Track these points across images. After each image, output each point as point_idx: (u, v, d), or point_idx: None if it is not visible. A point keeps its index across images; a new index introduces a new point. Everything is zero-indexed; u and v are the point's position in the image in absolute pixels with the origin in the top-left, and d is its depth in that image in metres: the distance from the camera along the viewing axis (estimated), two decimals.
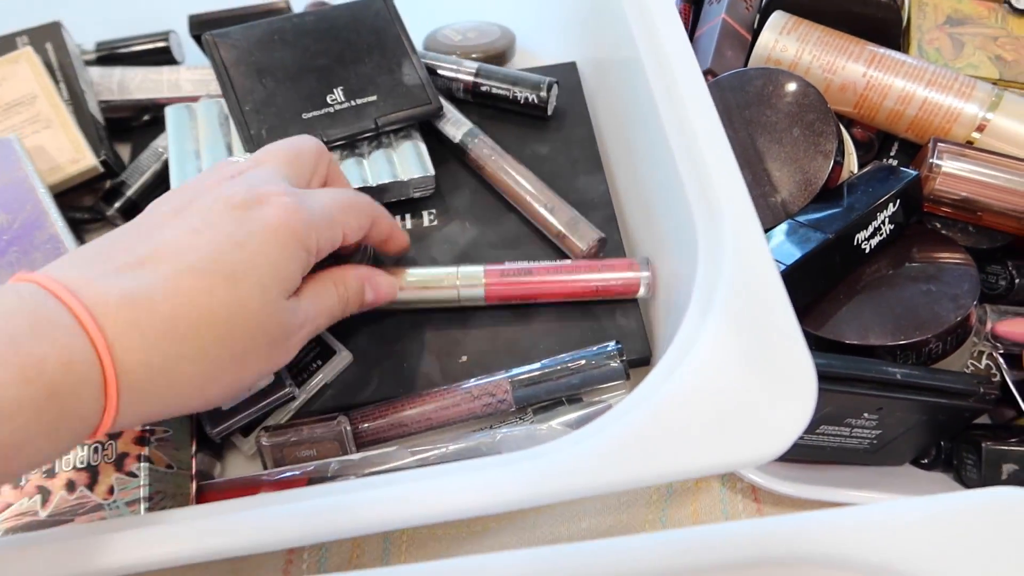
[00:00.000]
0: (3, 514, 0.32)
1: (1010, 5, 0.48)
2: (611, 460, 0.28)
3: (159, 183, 0.48)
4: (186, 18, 0.53)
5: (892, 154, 0.47)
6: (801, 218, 0.40)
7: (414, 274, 0.41)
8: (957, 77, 0.43)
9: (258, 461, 0.40)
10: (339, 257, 0.36)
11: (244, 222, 0.29)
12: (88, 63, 0.52)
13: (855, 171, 0.44)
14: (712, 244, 0.33)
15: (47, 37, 0.48)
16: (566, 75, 0.52)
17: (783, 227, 0.40)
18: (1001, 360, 0.41)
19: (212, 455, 0.40)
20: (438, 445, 0.37)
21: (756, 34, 0.47)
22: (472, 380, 0.39)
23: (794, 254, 0.38)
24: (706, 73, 0.48)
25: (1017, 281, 0.41)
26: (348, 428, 0.38)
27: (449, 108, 0.49)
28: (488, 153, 0.46)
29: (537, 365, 0.39)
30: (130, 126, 0.52)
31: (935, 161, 0.40)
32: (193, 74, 0.51)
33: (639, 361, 0.42)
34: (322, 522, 0.28)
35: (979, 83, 0.43)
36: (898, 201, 0.40)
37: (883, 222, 0.40)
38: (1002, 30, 0.48)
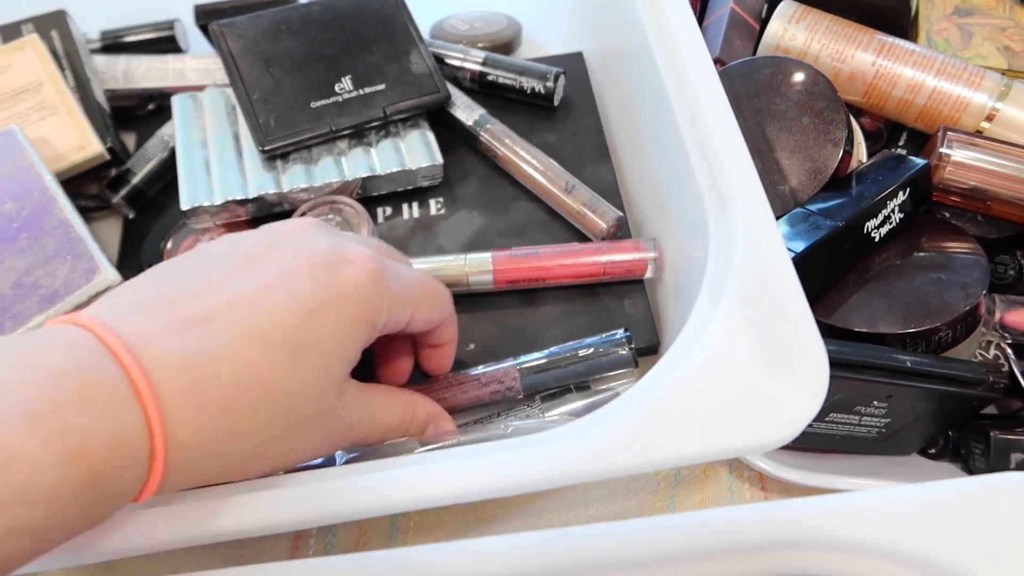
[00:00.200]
0: None
1: None
2: (620, 444, 0.28)
3: (165, 171, 0.48)
4: (190, 7, 0.53)
5: (901, 144, 0.47)
6: (811, 206, 0.40)
7: (422, 262, 0.41)
8: (966, 67, 0.43)
9: None
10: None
11: (322, 286, 0.27)
12: (93, 52, 0.52)
13: (864, 160, 0.44)
14: (723, 231, 0.33)
15: (52, 25, 0.48)
16: (572, 65, 0.52)
17: (792, 215, 0.40)
18: (1009, 350, 0.40)
19: None
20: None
21: (764, 23, 0.47)
22: (480, 367, 0.39)
23: (804, 242, 0.38)
24: (715, 62, 0.48)
25: None
26: None
27: (459, 94, 0.49)
28: (501, 138, 0.46)
29: (545, 353, 0.39)
30: (135, 115, 0.52)
31: (944, 150, 0.40)
32: (198, 63, 0.51)
33: (647, 349, 0.42)
34: (329, 504, 0.28)
35: (988, 73, 0.43)
36: (907, 190, 0.40)
37: (892, 211, 0.40)
38: (1010, 20, 0.47)
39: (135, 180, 0.47)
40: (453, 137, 0.49)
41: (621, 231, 0.44)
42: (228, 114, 0.48)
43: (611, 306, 0.43)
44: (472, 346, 0.42)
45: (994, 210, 0.41)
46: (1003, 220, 0.43)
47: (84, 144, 0.44)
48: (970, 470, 0.39)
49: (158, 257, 0.45)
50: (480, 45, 0.53)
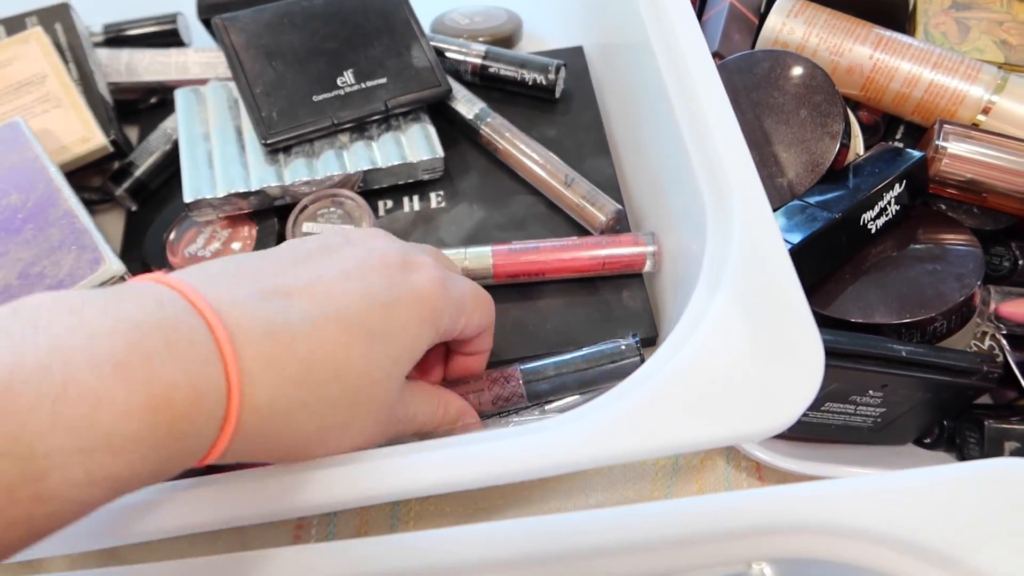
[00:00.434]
0: None
1: None
2: (618, 432, 0.29)
3: (168, 164, 0.48)
4: (193, 1, 0.53)
5: (898, 137, 0.47)
6: (808, 199, 0.40)
7: None
8: (963, 60, 0.43)
9: None
10: None
11: (395, 284, 0.28)
12: (96, 45, 0.52)
13: (861, 153, 0.44)
14: (721, 223, 0.33)
15: (56, 18, 0.48)
16: (573, 59, 0.52)
17: (789, 207, 0.40)
18: (1004, 341, 0.41)
19: None
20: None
21: (763, 17, 0.47)
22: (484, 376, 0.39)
23: (800, 234, 0.38)
24: (713, 56, 0.48)
25: (1021, 262, 0.41)
26: None
27: (460, 88, 0.49)
28: (501, 131, 0.47)
29: (552, 361, 0.38)
30: (138, 108, 0.52)
31: (941, 143, 0.41)
32: (201, 56, 0.51)
33: (645, 341, 0.43)
34: (330, 492, 0.28)
35: (985, 66, 0.43)
36: (904, 182, 0.40)
37: (889, 203, 0.40)
38: (1007, 15, 0.48)
39: (138, 173, 0.47)
40: (454, 131, 0.49)
41: (620, 224, 0.44)
42: (230, 108, 0.48)
43: (610, 298, 0.43)
44: None
45: (990, 202, 0.42)
46: (999, 212, 0.43)
47: (88, 136, 0.45)
48: (965, 459, 0.40)
49: (161, 249, 0.45)
50: (481, 39, 0.53)
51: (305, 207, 0.44)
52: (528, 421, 0.37)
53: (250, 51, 0.46)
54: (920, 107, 0.44)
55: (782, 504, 0.28)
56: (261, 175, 0.45)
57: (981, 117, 0.43)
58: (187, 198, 0.43)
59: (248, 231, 0.45)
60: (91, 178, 0.48)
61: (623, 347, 0.38)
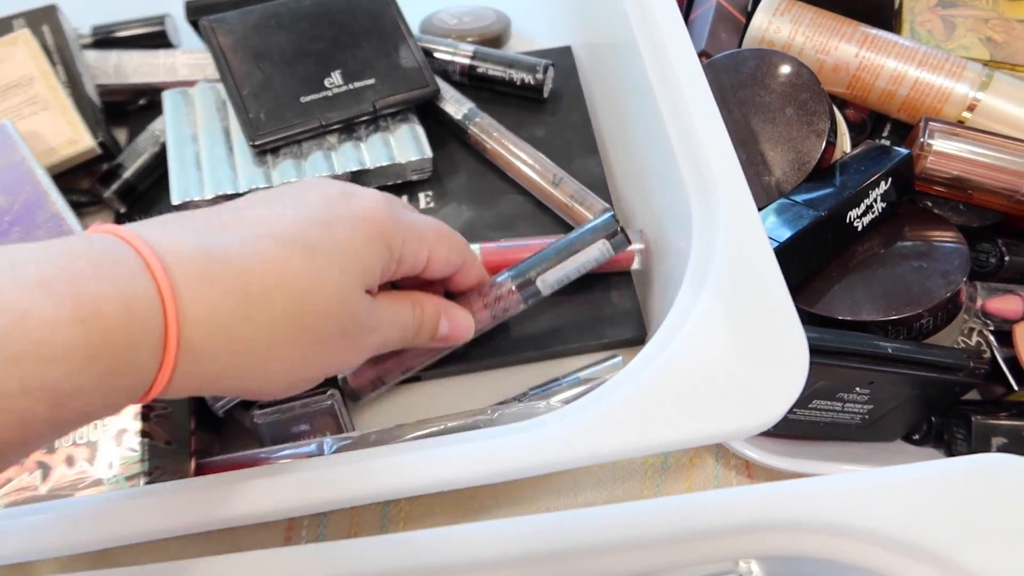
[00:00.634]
0: (3, 489, 0.32)
1: None
2: (606, 430, 0.29)
3: (156, 166, 0.48)
4: (181, 3, 0.53)
5: (885, 134, 0.48)
6: (794, 197, 0.40)
7: None
8: (948, 57, 0.43)
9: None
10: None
11: (334, 207, 0.28)
12: (84, 47, 0.52)
13: (848, 151, 0.44)
14: (706, 222, 0.33)
15: (44, 20, 0.48)
16: (561, 59, 0.52)
17: (776, 205, 0.40)
18: (991, 337, 0.41)
19: (211, 433, 0.40)
20: (436, 424, 0.37)
21: (750, 16, 0.48)
22: (474, 292, 0.39)
23: (787, 232, 0.38)
24: (700, 55, 0.48)
25: (1007, 258, 0.42)
26: (340, 401, 0.39)
27: (448, 88, 0.49)
28: (490, 131, 0.47)
29: (537, 257, 0.38)
30: (126, 110, 0.52)
31: (926, 140, 0.41)
32: (189, 58, 0.51)
33: (635, 340, 0.43)
34: (320, 492, 0.28)
35: (970, 63, 0.43)
36: (890, 179, 0.40)
37: (875, 200, 0.40)
38: (992, 12, 0.48)
39: (126, 175, 0.47)
40: (442, 131, 0.49)
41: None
42: (218, 109, 0.48)
43: (599, 298, 0.43)
44: None
45: (976, 199, 0.42)
46: (985, 209, 0.43)
47: (76, 138, 0.44)
48: (952, 455, 0.40)
49: None
50: (469, 39, 0.53)
51: None
52: (513, 410, 0.37)
53: (238, 52, 0.46)
54: (906, 105, 0.44)
55: (770, 501, 0.28)
56: (249, 176, 0.45)
57: (967, 114, 0.43)
58: (175, 200, 0.43)
59: None
60: (79, 180, 0.47)
61: (605, 219, 0.38)
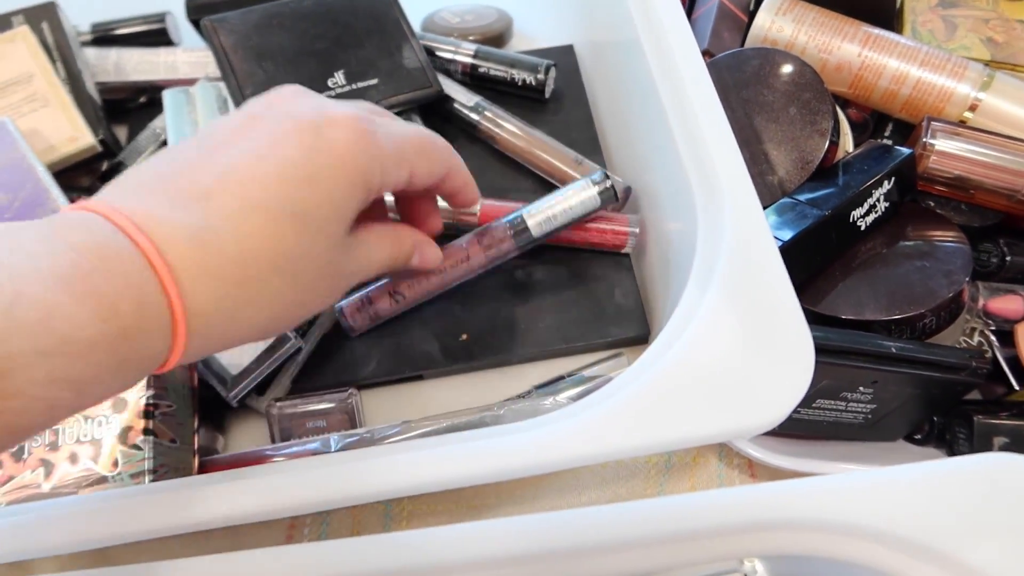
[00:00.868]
0: (6, 487, 0.32)
1: None
2: (610, 429, 0.29)
3: None
4: (182, 1, 0.53)
5: (887, 134, 0.48)
6: (798, 196, 0.40)
7: None
8: (950, 58, 0.43)
9: (262, 434, 0.40)
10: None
11: (312, 149, 0.27)
12: (84, 44, 0.52)
13: (851, 150, 0.44)
14: (711, 221, 0.33)
15: (43, 16, 0.48)
16: (564, 58, 0.52)
17: (779, 205, 0.40)
18: (992, 337, 0.41)
19: (215, 429, 0.40)
20: (441, 420, 0.37)
21: (752, 15, 0.48)
22: (470, 234, 0.41)
23: (790, 231, 0.38)
24: (703, 54, 0.48)
25: (1009, 258, 0.42)
26: (359, 401, 0.39)
27: (453, 84, 0.49)
28: (502, 121, 0.47)
29: (534, 207, 0.41)
30: (127, 107, 0.52)
31: (928, 140, 0.41)
32: (190, 56, 0.51)
33: (638, 339, 0.43)
34: (324, 489, 0.28)
35: (971, 63, 0.43)
36: (892, 179, 0.41)
37: (878, 200, 0.40)
38: (993, 12, 0.48)
39: None
40: (448, 129, 0.49)
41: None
42: (220, 108, 0.48)
43: (603, 297, 0.43)
44: (464, 336, 0.42)
45: (978, 199, 0.42)
46: (986, 209, 0.43)
47: (76, 136, 0.44)
48: (954, 454, 0.40)
49: None
50: (471, 38, 0.53)
51: None
52: (519, 407, 0.37)
53: (240, 52, 0.46)
54: (908, 104, 0.44)
55: (773, 501, 0.28)
56: None
57: (968, 114, 0.43)
58: None
59: None
60: (80, 178, 0.47)
61: (594, 177, 0.41)
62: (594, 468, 0.40)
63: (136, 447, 0.32)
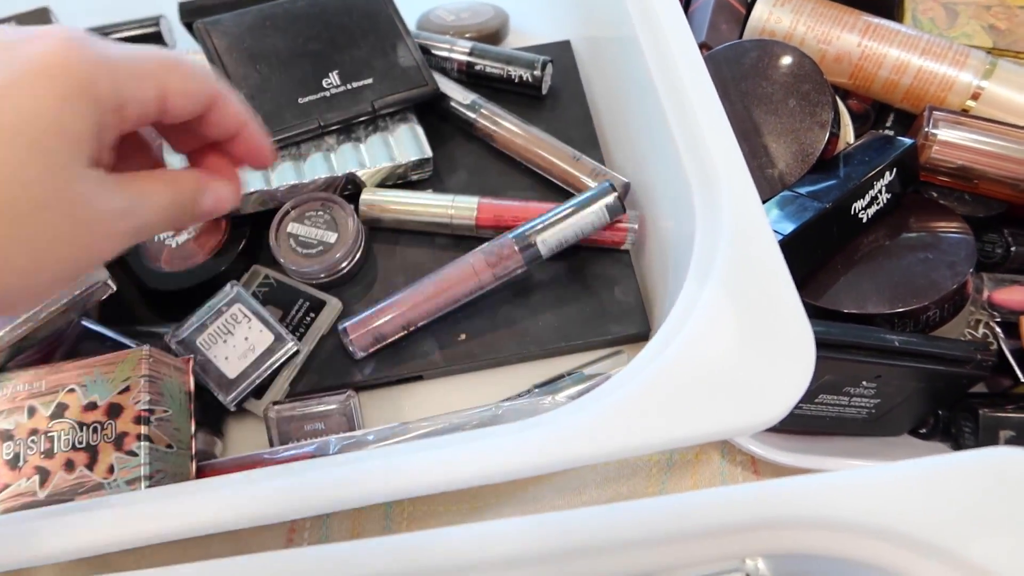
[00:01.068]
0: (1, 495, 0.32)
1: None
2: (610, 428, 0.28)
3: None
4: (175, 4, 0.53)
5: (888, 125, 0.47)
6: (798, 189, 0.40)
7: (409, 197, 0.45)
8: (951, 46, 0.43)
9: (260, 437, 0.40)
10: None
11: (7, 64, 0.23)
12: None
13: (851, 142, 0.44)
14: (710, 215, 0.33)
15: (36, 22, 0.48)
16: (561, 54, 0.52)
17: (780, 198, 0.40)
18: (998, 328, 0.41)
19: (213, 434, 0.40)
20: (440, 421, 0.37)
21: (750, 6, 0.47)
22: (475, 250, 0.41)
23: (791, 224, 0.38)
24: (701, 47, 0.48)
25: (1013, 249, 0.41)
26: (357, 403, 0.39)
27: (449, 82, 0.49)
28: (499, 119, 0.47)
29: (541, 218, 0.41)
30: None
31: (930, 129, 0.40)
32: None
33: (638, 336, 0.43)
34: (323, 493, 0.28)
35: (973, 51, 0.43)
36: (894, 170, 0.40)
37: (880, 191, 0.40)
38: (995, 0, 0.47)
39: None
40: (444, 128, 0.49)
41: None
42: None
43: (602, 295, 0.43)
44: (463, 336, 0.42)
45: (981, 189, 0.42)
46: (990, 199, 0.43)
47: None
48: (960, 448, 0.39)
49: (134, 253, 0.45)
50: (467, 35, 0.53)
51: (287, 212, 0.44)
52: (518, 405, 0.37)
53: (233, 54, 0.46)
54: (909, 94, 0.44)
55: (776, 498, 0.28)
56: (247, 179, 0.44)
57: (971, 103, 0.42)
58: None
59: (222, 223, 0.45)
60: None
61: (604, 187, 0.41)
62: (595, 467, 0.40)
63: (132, 453, 0.32)
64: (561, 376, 0.41)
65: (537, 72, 0.48)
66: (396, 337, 0.41)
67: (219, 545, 0.38)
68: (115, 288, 0.38)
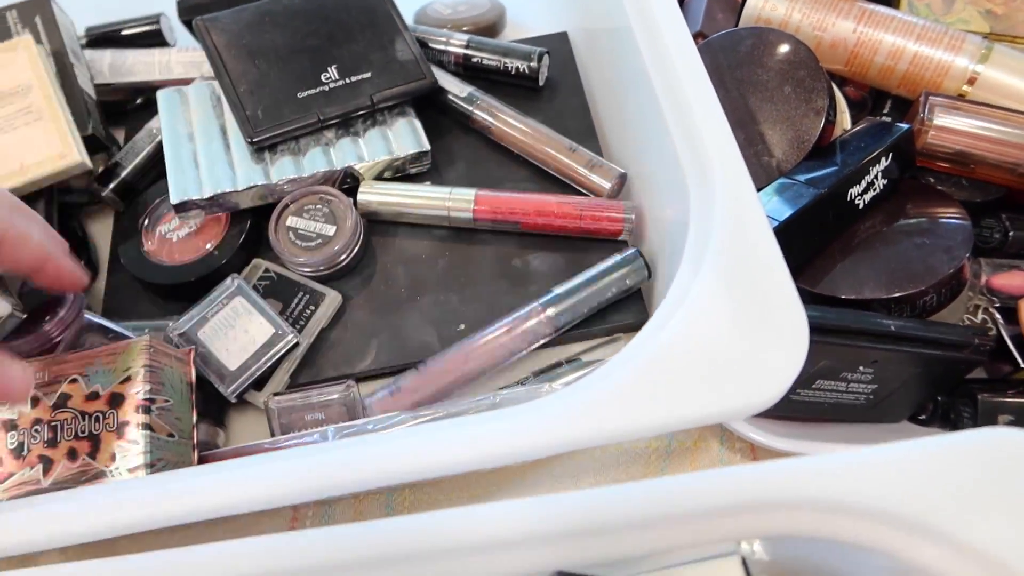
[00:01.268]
0: (6, 483, 0.32)
1: None
2: (604, 412, 0.28)
3: (153, 165, 0.48)
4: (173, 2, 0.53)
5: (885, 111, 0.47)
6: (794, 175, 0.40)
7: (407, 190, 0.45)
8: (947, 31, 0.43)
9: (262, 428, 0.41)
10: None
11: None
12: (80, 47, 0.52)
13: (848, 129, 0.44)
14: (703, 201, 0.33)
15: (36, 11, 0.48)
16: (558, 45, 0.52)
17: (776, 185, 0.40)
18: (997, 314, 0.40)
19: (215, 424, 0.40)
20: (439, 409, 0.37)
21: None
22: (504, 318, 0.40)
23: (787, 210, 0.38)
24: (696, 35, 0.48)
25: (1012, 234, 0.41)
26: (358, 393, 0.39)
27: (446, 75, 0.49)
28: (494, 111, 0.47)
29: (566, 287, 0.41)
30: (124, 109, 0.52)
31: (927, 115, 0.40)
32: (183, 56, 0.51)
33: (636, 325, 0.43)
34: (323, 477, 0.28)
35: (969, 36, 0.42)
36: (890, 155, 0.40)
37: (876, 177, 0.40)
38: None
39: (124, 173, 0.47)
40: (441, 121, 0.49)
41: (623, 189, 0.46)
42: (214, 106, 0.48)
43: None
44: (462, 326, 0.42)
45: (979, 174, 0.41)
46: (988, 184, 0.43)
47: (64, 153, 0.43)
48: None
49: (137, 234, 0.45)
50: (464, 28, 0.53)
51: (287, 205, 0.44)
52: (515, 393, 0.37)
53: (232, 51, 0.46)
54: (906, 80, 0.44)
55: (771, 479, 0.28)
56: (247, 174, 0.45)
57: (967, 88, 0.42)
58: (173, 200, 0.43)
59: (223, 217, 0.45)
60: (78, 179, 0.47)
61: (627, 256, 0.41)
62: (593, 453, 0.40)
63: (133, 441, 0.33)
64: (559, 364, 0.41)
65: (534, 64, 0.48)
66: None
67: (223, 532, 0.38)
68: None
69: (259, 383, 0.40)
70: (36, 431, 0.33)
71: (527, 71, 0.48)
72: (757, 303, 0.30)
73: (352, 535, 0.28)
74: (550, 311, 0.40)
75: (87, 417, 0.33)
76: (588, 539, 0.28)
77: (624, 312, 0.42)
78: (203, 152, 0.45)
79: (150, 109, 0.50)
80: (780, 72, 0.42)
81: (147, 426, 0.33)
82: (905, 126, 0.41)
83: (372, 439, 0.29)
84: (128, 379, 0.34)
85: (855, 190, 0.39)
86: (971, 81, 0.42)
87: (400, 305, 0.43)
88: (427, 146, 0.46)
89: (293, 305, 0.42)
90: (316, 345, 0.42)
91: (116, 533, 0.28)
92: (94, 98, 0.49)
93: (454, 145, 0.49)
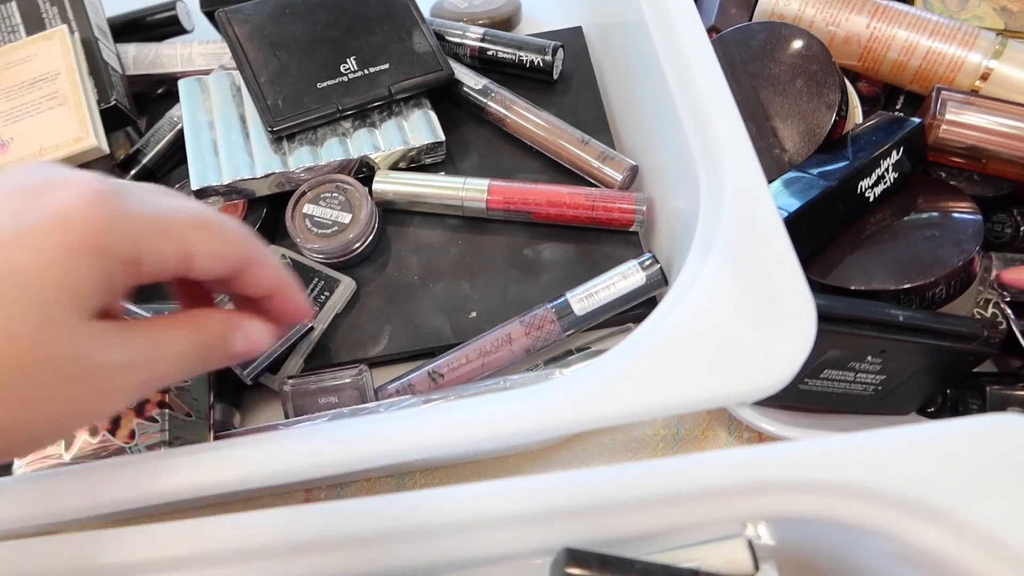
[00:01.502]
0: (28, 457, 0.33)
1: None
2: (611, 395, 0.29)
3: (175, 152, 0.49)
4: None
5: (898, 107, 0.47)
6: (805, 168, 0.40)
7: (421, 180, 0.45)
8: (960, 26, 0.43)
9: (277, 410, 0.41)
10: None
11: (18, 216, 0.22)
12: None
13: (860, 123, 0.44)
14: (714, 191, 0.33)
15: None
16: (572, 40, 0.52)
17: (787, 177, 0.40)
18: (1007, 308, 0.41)
19: (231, 406, 0.41)
20: (450, 394, 0.38)
21: None
22: (514, 319, 0.41)
23: (797, 202, 0.38)
24: (710, 30, 0.48)
25: (1022, 228, 0.41)
26: (370, 377, 0.40)
27: (462, 68, 0.50)
28: (509, 103, 0.48)
29: (579, 289, 0.41)
30: (146, 99, 0.53)
31: (939, 110, 0.41)
32: (205, 48, 0.52)
33: (646, 314, 0.43)
34: (336, 453, 0.29)
35: (982, 32, 0.43)
36: (901, 149, 0.40)
37: (886, 170, 0.40)
38: None
39: (145, 160, 0.48)
40: (456, 113, 0.50)
41: (634, 181, 0.46)
42: (234, 96, 0.49)
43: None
44: (473, 314, 0.43)
45: (991, 168, 0.42)
46: (1000, 178, 0.43)
47: (81, 136, 0.44)
48: None
49: None
50: (480, 22, 0.54)
51: (303, 193, 0.45)
52: (523, 379, 0.38)
53: (254, 42, 0.47)
54: (919, 75, 0.44)
55: (776, 461, 0.28)
56: (266, 162, 0.45)
57: (980, 83, 0.42)
58: (194, 186, 0.44)
59: (240, 204, 0.46)
60: (98, 166, 0.48)
61: (643, 261, 0.41)
62: (602, 441, 0.40)
63: (152, 419, 0.33)
64: (570, 352, 0.41)
65: (548, 57, 0.49)
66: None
67: (235, 510, 0.39)
68: None
69: (274, 366, 0.41)
70: None
71: (541, 64, 0.49)
72: (766, 290, 0.30)
73: (363, 510, 0.28)
74: (563, 323, 0.40)
75: None
76: (596, 517, 0.28)
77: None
78: (222, 140, 0.46)
79: (171, 99, 0.51)
80: (792, 66, 0.42)
81: (166, 405, 0.34)
82: (916, 120, 0.41)
83: (384, 417, 0.30)
84: None
85: (865, 183, 0.40)
86: (984, 77, 0.42)
87: (413, 292, 0.44)
88: (442, 137, 0.47)
89: (308, 291, 0.43)
90: (330, 330, 0.43)
91: (137, 504, 0.29)
92: (119, 71, 0.49)
93: (468, 136, 0.49)
